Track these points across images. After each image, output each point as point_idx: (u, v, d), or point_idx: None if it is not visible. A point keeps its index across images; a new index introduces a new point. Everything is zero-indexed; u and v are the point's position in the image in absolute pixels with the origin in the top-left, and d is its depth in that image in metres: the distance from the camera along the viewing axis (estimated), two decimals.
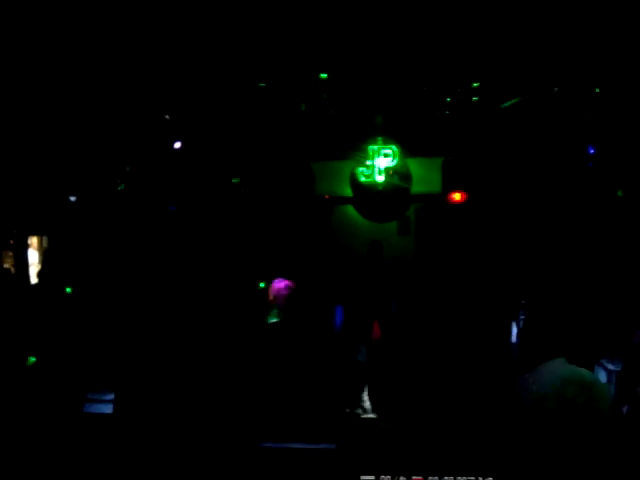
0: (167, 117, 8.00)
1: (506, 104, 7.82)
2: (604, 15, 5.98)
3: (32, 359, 6.02)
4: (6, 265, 7.86)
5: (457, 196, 9.05)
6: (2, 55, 6.22)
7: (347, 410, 5.62)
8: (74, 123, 7.69)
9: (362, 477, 3.58)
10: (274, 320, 5.12)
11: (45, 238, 8.36)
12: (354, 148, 9.13)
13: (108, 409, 6.06)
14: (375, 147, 9.14)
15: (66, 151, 7.82)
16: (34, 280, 7.67)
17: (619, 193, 8.05)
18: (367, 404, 6.03)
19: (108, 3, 5.95)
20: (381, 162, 9.15)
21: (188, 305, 7.76)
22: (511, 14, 6.05)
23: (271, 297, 5.08)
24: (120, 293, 7.62)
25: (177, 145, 8.16)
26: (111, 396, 5.89)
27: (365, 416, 5.75)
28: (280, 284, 5.03)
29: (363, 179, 9.29)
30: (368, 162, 9.18)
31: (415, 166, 9.35)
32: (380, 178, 9.20)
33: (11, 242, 8.01)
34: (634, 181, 7.95)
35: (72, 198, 8.28)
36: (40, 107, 7.26)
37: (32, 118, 7.32)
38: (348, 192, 9.51)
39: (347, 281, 7.65)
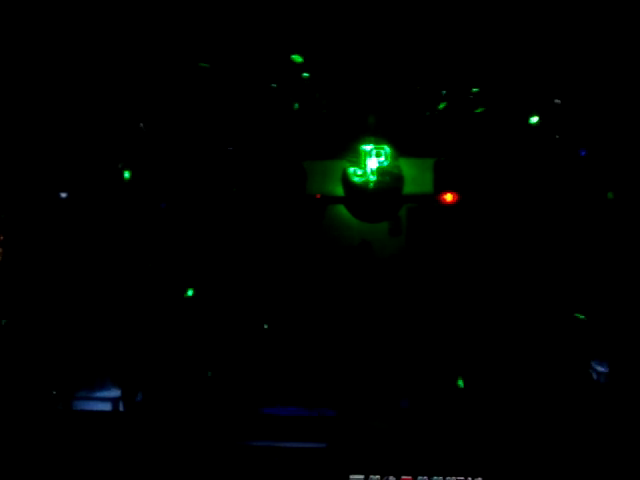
0: (142, 125, 7.98)
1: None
2: (598, 18, 6.00)
3: None
4: None
5: (449, 197, 9.05)
6: None
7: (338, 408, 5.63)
8: (66, 119, 7.66)
9: (351, 476, 3.58)
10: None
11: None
12: (346, 148, 9.13)
13: (98, 406, 6.04)
14: (367, 147, 9.14)
15: (58, 147, 7.78)
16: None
17: (610, 195, 8.09)
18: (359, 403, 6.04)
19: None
20: (373, 162, 9.15)
21: (178, 302, 7.74)
22: (506, 15, 6.06)
23: None
24: (111, 290, 7.59)
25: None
26: (102, 393, 5.88)
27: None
28: None
29: (355, 179, 9.28)
30: (360, 162, 9.18)
31: (407, 166, 9.35)
32: (372, 178, 9.20)
33: (0, 237, 7.97)
34: (625, 183, 7.98)
35: (63, 194, 8.24)
36: (31, 103, 7.22)
37: (23, 114, 7.28)
38: (340, 192, 9.50)
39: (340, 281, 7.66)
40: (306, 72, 7.58)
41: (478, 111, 7.88)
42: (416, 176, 9.40)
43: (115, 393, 6.66)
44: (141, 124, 7.86)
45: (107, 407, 6.50)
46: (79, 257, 8.07)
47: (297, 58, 7.18)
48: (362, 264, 7.74)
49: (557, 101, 7.65)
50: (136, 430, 4.43)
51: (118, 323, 7.16)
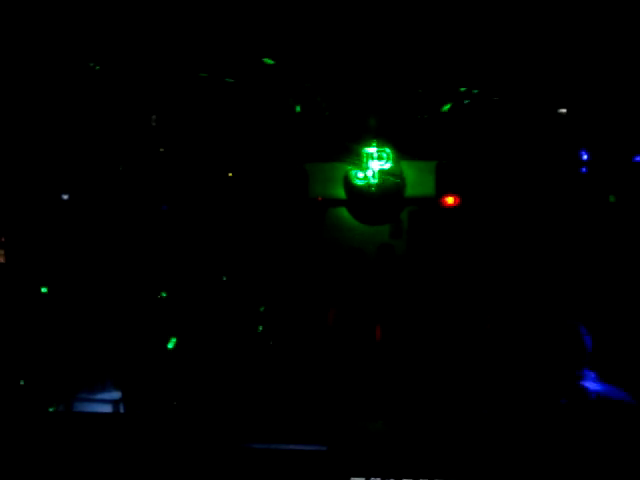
0: (154, 117, 7.97)
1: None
2: (598, 20, 6.00)
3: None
4: None
5: (450, 200, 9.05)
6: None
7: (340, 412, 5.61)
8: (66, 121, 7.66)
9: (352, 479, 3.57)
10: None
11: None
12: (348, 150, 9.12)
13: (99, 408, 6.03)
14: (369, 150, 9.14)
15: (59, 148, 7.78)
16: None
17: (611, 199, 8.08)
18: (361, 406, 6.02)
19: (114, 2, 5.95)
20: (375, 165, 9.15)
21: (179, 305, 7.74)
22: (506, 17, 6.07)
23: None
24: (111, 292, 7.59)
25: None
26: (102, 395, 5.86)
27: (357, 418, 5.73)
28: None
29: (357, 181, 9.28)
30: (362, 164, 9.17)
31: (409, 169, 9.35)
32: (374, 181, 9.19)
33: (2, 239, 7.98)
34: (626, 187, 7.98)
35: (64, 196, 8.25)
36: (32, 105, 7.23)
37: (25, 116, 7.29)
38: (341, 194, 9.49)
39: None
40: (308, 75, 7.58)
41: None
42: (418, 179, 9.40)
43: (116, 395, 6.66)
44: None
45: (107, 409, 6.49)
46: (80, 259, 8.07)
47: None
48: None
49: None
50: (137, 432, 4.42)
51: (119, 325, 7.16)
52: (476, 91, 7.69)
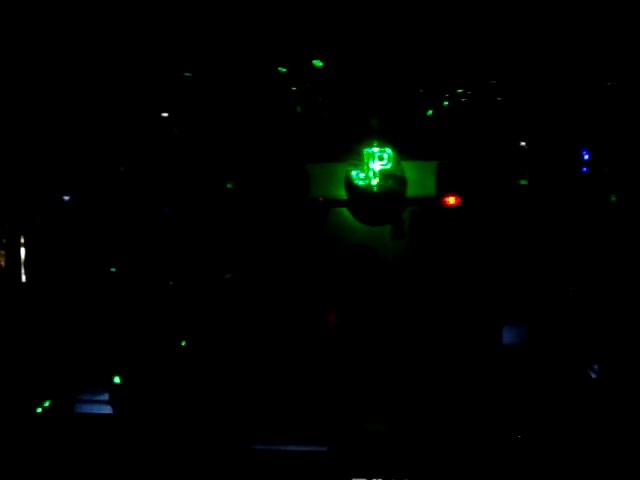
0: (164, 115, 7.98)
1: None
2: (599, 19, 6.00)
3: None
4: None
5: (451, 200, 9.04)
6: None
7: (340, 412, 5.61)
8: (68, 122, 7.67)
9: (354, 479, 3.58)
10: None
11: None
12: (349, 151, 9.11)
13: (100, 410, 6.03)
14: (370, 150, 9.13)
15: (60, 150, 7.79)
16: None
17: (612, 198, 8.08)
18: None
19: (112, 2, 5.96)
20: (376, 165, 9.14)
21: (181, 306, 7.74)
22: (507, 18, 6.07)
23: None
24: (112, 293, 7.60)
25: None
26: (104, 396, 5.86)
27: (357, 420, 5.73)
28: None
29: (358, 182, 9.28)
30: (363, 165, 9.17)
31: (410, 169, 9.34)
32: (375, 181, 9.19)
33: (3, 241, 7.98)
34: (628, 186, 7.98)
35: (66, 197, 8.26)
36: (34, 106, 7.24)
37: (26, 118, 7.30)
38: (343, 195, 9.49)
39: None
40: (308, 76, 7.58)
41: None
42: (419, 179, 9.39)
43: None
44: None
45: (109, 410, 6.50)
46: (81, 261, 8.07)
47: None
48: (361, 268, 7.74)
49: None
50: (139, 433, 4.43)
51: (120, 328, 7.17)
52: (470, 91, 7.69)
